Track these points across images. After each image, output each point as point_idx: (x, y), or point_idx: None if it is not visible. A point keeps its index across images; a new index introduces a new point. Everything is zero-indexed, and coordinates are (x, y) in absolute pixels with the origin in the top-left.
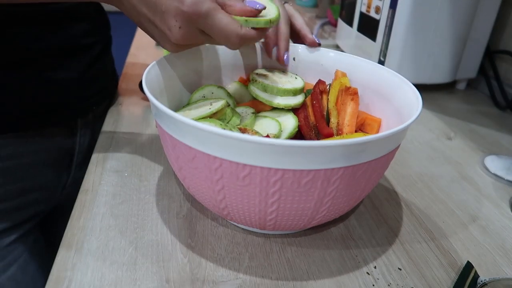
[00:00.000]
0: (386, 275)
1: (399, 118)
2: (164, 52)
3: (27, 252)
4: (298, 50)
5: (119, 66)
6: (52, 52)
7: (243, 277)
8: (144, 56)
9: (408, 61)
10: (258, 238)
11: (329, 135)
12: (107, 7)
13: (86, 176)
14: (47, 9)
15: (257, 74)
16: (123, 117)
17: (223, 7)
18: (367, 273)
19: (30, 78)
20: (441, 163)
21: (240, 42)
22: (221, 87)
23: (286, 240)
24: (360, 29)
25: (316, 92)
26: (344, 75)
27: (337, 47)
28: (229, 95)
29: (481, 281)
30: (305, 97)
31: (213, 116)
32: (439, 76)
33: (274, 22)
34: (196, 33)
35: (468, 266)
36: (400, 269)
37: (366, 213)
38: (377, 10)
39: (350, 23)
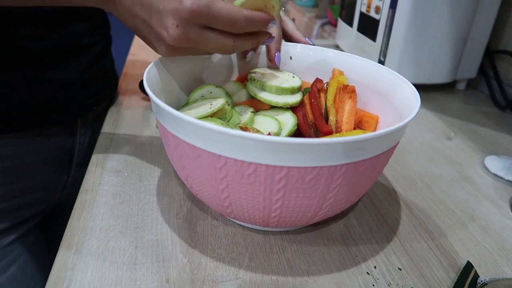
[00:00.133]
0: (386, 275)
1: (397, 116)
2: None
3: (26, 252)
4: (295, 49)
5: (119, 66)
6: (52, 51)
7: (243, 277)
8: (144, 56)
9: (408, 61)
10: (258, 238)
11: (328, 133)
12: None
13: (86, 176)
14: (47, 9)
15: (255, 73)
16: (123, 117)
17: None
18: (367, 273)
19: (30, 78)
20: (441, 163)
21: (246, 24)
22: (219, 86)
23: (286, 240)
24: (360, 29)
25: (314, 91)
26: (341, 73)
27: (337, 47)
28: (227, 94)
29: (481, 281)
30: (303, 96)
31: (213, 115)
32: (439, 76)
33: (277, 8)
34: (193, 34)
35: (468, 266)
36: (400, 269)
37: (366, 213)
38: (377, 10)
39: (350, 23)
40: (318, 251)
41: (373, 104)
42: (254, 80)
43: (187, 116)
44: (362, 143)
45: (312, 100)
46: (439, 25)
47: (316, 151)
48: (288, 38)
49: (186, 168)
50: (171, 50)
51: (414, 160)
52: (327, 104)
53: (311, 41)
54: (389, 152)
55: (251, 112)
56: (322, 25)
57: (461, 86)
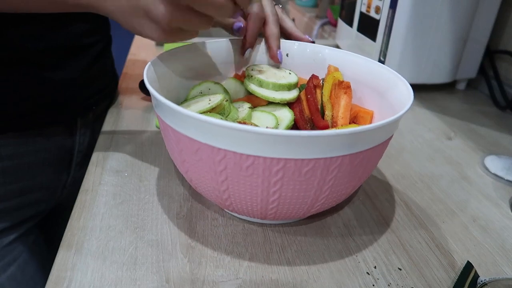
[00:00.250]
0: (386, 275)
1: (392, 111)
2: (164, 48)
3: (26, 251)
4: (292, 46)
5: (119, 66)
6: (52, 51)
7: (243, 277)
8: (144, 56)
9: (408, 61)
10: (258, 238)
11: (325, 127)
12: None
13: (86, 176)
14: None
15: (252, 70)
16: (123, 117)
17: None
18: (367, 273)
19: (30, 78)
20: (441, 163)
21: None
22: (217, 83)
23: (286, 240)
24: (360, 29)
25: (310, 87)
26: (336, 69)
27: (337, 47)
28: (225, 90)
29: (481, 281)
30: (300, 92)
31: (212, 111)
32: (439, 76)
33: None
34: (182, 9)
35: (468, 266)
36: (400, 269)
37: (366, 213)
38: (377, 10)
39: (350, 23)
40: (318, 251)
41: (368, 99)
42: (251, 76)
43: (188, 110)
44: (357, 136)
45: (309, 96)
46: (439, 25)
47: (312, 143)
48: (287, 36)
49: (186, 162)
50: (171, 5)
51: (414, 160)
52: (323, 100)
53: (310, 39)
54: (383, 145)
55: (249, 108)
56: (322, 25)
57: (461, 86)
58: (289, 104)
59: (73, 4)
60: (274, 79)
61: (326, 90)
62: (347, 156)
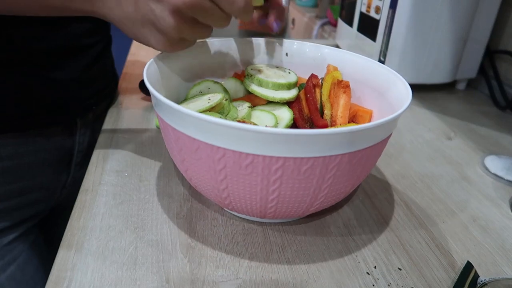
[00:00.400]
0: (386, 275)
1: (391, 110)
2: None
3: (26, 251)
4: (291, 46)
5: (119, 66)
6: (53, 52)
7: (243, 277)
8: (144, 56)
9: (408, 61)
10: (258, 237)
11: (324, 127)
12: None
13: (86, 176)
14: None
15: (252, 69)
16: (123, 117)
17: None
18: (367, 273)
19: (30, 78)
20: (441, 163)
21: (245, 5)
22: (217, 82)
23: (286, 240)
24: (360, 29)
25: (310, 86)
26: (335, 69)
27: (337, 47)
28: (225, 90)
29: (481, 281)
30: (299, 91)
31: (211, 109)
32: (439, 76)
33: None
34: (188, 20)
35: (468, 266)
36: (400, 269)
37: (365, 212)
38: (377, 10)
39: (350, 23)
40: (318, 251)
41: (367, 98)
42: (251, 76)
43: (187, 109)
44: (355, 134)
45: (308, 95)
46: (439, 25)
47: (311, 142)
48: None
49: (186, 160)
50: (180, 19)
51: (414, 160)
52: (322, 99)
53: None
54: (382, 143)
55: (248, 107)
56: (322, 25)
57: (461, 86)
58: (289, 103)
59: (76, 9)
60: (273, 79)
61: (325, 90)
62: (346, 155)
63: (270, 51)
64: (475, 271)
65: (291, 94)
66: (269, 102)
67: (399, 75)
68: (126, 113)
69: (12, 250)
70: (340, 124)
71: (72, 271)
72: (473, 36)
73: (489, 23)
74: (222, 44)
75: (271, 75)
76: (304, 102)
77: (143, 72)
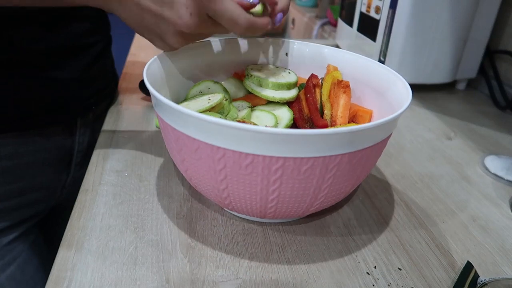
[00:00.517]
0: (386, 275)
1: (391, 110)
2: None
3: (26, 251)
4: (291, 46)
5: (119, 66)
6: (52, 51)
7: (243, 277)
8: (144, 56)
9: (408, 61)
10: (258, 238)
11: (324, 127)
12: None
13: (86, 176)
14: (48, 8)
15: (252, 69)
16: (123, 117)
17: None
18: (367, 273)
19: (29, 78)
20: (441, 163)
21: (247, 25)
22: (217, 82)
23: (286, 240)
24: (360, 29)
25: (310, 86)
26: (335, 69)
27: (337, 47)
28: (225, 90)
29: (481, 281)
30: (299, 91)
31: (211, 110)
32: (439, 76)
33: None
34: (205, 20)
35: (468, 266)
36: (400, 269)
37: (366, 213)
38: (377, 10)
39: (350, 23)
40: (318, 251)
41: (367, 98)
42: (251, 76)
43: (187, 109)
44: (355, 134)
45: (308, 95)
46: (439, 25)
47: (311, 142)
48: None
49: (186, 161)
50: (183, 38)
51: (414, 160)
52: (322, 99)
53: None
54: (382, 143)
55: (248, 107)
56: (322, 25)
57: (461, 86)
58: (289, 103)
59: (81, 3)
60: (273, 78)
61: (325, 90)
62: (346, 155)
63: (270, 51)
64: (475, 271)
65: (291, 94)
66: (269, 102)
67: (399, 75)
68: (126, 113)
69: (12, 250)
70: (340, 124)
71: (72, 271)
72: (473, 36)
73: (489, 23)
74: (222, 44)
75: (271, 75)
76: (304, 102)
77: (143, 72)
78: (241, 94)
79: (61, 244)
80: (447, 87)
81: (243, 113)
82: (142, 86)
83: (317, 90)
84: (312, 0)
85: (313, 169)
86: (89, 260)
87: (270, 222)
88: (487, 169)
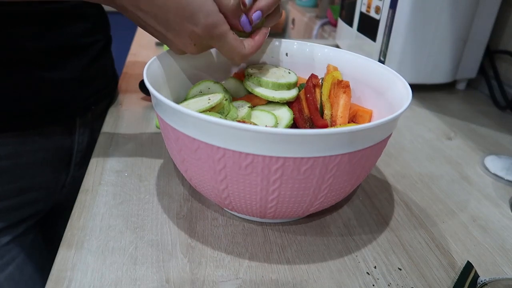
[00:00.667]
0: (386, 275)
1: (390, 110)
2: (164, 48)
3: (25, 251)
4: (291, 46)
5: (119, 66)
6: (52, 51)
7: (243, 277)
8: (144, 56)
9: (408, 61)
10: (258, 238)
11: (324, 127)
12: (107, 6)
13: (86, 176)
14: (47, 8)
15: (252, 69)
16: (123, 117)
17: (226, 17)
18: (367, 273)
19: (29, 78)
20: (441, 163)
21: (242, 60)
22: (217, 82)
23: (286, 240)
24: (360, 29)
25: (310, 86)
26: (335, 69)
27: (337, 47)
28: (225, 90)
29: (481, 281)
30: (299, 91)
31: (211, 109)
32: (439, 76)
33: None
34: (205, 46)
35: (468, 266)
36: (400, 269)
37: (366, 213)
38: (377, 10)
39: (350, 23)
40: (318, 251)
41: (367, 98)
42: (251, 76)
43: (187, 109)
44: (355, 134)
45: (308, 95)
46: (439, 25)
47: (311, 142)
48: None
49: (186, 161)
50: (184, 52)
51: (414, 160)
52: (322, 99)
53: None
54: (382, 143)
55: (248, 107)
56: (322, 25)
57: (461, 86)
58: (289, 103)
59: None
60: (273, 78)
61: (325, 90)
62: (346, 155)
63: (270, 51)
64: (475, 271)
65: (291, 94)
66: (269, 102)
67: (399, 75)
68: (126, 113)
69: (11, 250)
70: (340, 124)
71: (72, 271)
72: (473, 36)
73: (489, 23)
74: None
75: (271, 75)
76: (304, 102)
77: (143, 72)
78: (241, 94)
79: (61, 244)
80: (447, 87)
81: (243, 113)
82: (142, 86)
83: (317, 90)
84: (312, 0)
85: (313, 169)
86: (89, 260)
87: (270, 222)
88: (487, 169)
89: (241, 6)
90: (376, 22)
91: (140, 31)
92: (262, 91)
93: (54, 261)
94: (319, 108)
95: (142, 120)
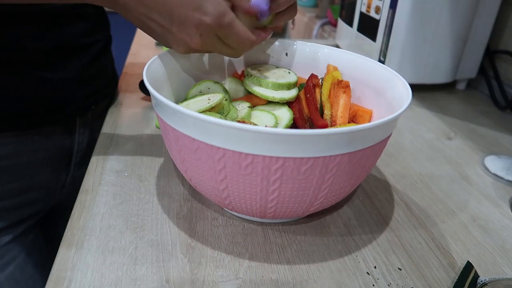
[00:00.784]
0: (386, 275)
1: (390, 110)
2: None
3: (25, 251)
4: (291, 46)
5: (119, 66)
6: (52, 51)
7: (243, 277)
8: (144, 55)
9: (408, 61)
10: (258, 238)
11: (324, 127)
12: None
13: (86, 176)
14: (47, 8)
15: (252, 69)
16: (123, 117)
17: (233, 4)
18: (367, 273)
19: (29, 77)
20: (441, 163)
21: (250, 47)
22: (217, 82)
23: (286, 240)
24: (360, 29)
25: (309, 86)
26: (335, 69)
27: (337, 47)
28: (225, 90)
29: (481, 281)
30: (299, 91)
31: (211, 110)
32: (439, 76)
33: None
34: (214, 40)
35: (468, 266)
36: (400, 269)
37: (365, 212)
38: (377, 10)
39: (350, 23)
40: (318, 251)
41: (367, 98)
42: (251, 76)
43: (187, 109)
44: (355, 134)
45: (308, 95)
46: (439, 25)
47: (311, 142)
48: None
49: (186, 161)
50: (187, 50)
51: (414, 160)
52: (322, 99)
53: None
54: (382, 143)
55: (248, 107)
56: (322, 25)
57: (461, 86)
58: (289, 103)
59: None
60: (273, 78)
61: (325, 89)
62: (346, 155)
63: (270, 51)
64: (475, 271)
65: (291, 94)
66: (269, 102)
67: (399, 75)
68: (126, 113)
69: (11, 250)
70: (340, 124)
71: (72, 271)
72: (473, 36)
73: (489, 23)
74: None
75: (271, 75)
76: (304, 102)
77: (143, 72)
78: (241, 94)
79: (61, 244)
80: (447, 87)
81: (243, 113)
82: (142, 86)
83: (317, 90)
84: (312, 0)
85: (313, 169)
86: (89, 260)
87: (270, 222)
88: (487, 169)
89: None
90: (376, 22)
91: (140, 32)
92: (262, 91)
93: (54, 261)
94: (319, 108)
95: (142, 120)
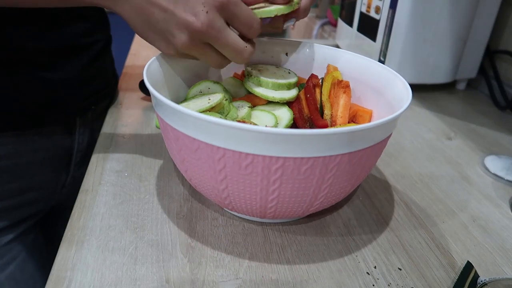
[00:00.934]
0: (386, 275)
1: (390, 110)
2: None
3: (25, 251)
4: (291, 46)
5: (119, 66)
6: (52, 51)
7: (243, 277)
8: (144, 55)
9: (408, 61)
10: (258, 238)
11: (324, 127)
12: None
13: (86, 176)
14: (47, 8)
15: (252, 69)
16: (123, 117)
17: None
18: (367, 273)
19: (29, 77)
20: (441, 163)
21: (260, 30)
22: (217, 82)
23: (286, 240)
24: (360, 29)
25: (309, 86)
26: (335, 69)
27: (337, 47)
28: (225, 90)
29: (481, 281)
30: (299, 91)
31: (211, 109)
32: (439, 76)
33: (282, 11)
34: (218, 22)
35: (468, 266)
36: (400, 269)
37: (365, 212)
38: (377, 10)
39: (350, 23)
40: (318, 251)
41: (367, 98)
42: (251, 76)
43: (187, 109)
44: (355, 134)
45: (308, 95)
46: (439, 25)
47: (311, 142)
48: None
49: (186, 161)
50: (190, 39)
51: (414, 160)
52: (322, 99)
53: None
54: (382, 143)
55: (248, 107)
56: (322, 25)
57: (461, 86)
58: (289, 103)
59: (87, 2)
60: (273, 78)
61: (325, 89)
62: (346, 155)
63: (270, 51)
64: (475, 271)
65: (291, 94)
66: (269, 102)
67: (399, 75)
68: (126, 113)
69: (11, 250)
70: (340, 124)
71: (72, 271)
72: (473, 36)
73: (489, 23)
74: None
75: (271, 75)
76: (304, 102)
77: (143, 72)
78: (241, 94)
79: (61, 244)
80: (447, 87)
81: (243, 113)
82: (142, 86)
83: (317, 90)
84: None
85: (313, 169)
86: (89, 260)
87: (270, 222)
88: (487, 169)
89: None
90: (376, 22)
91: None
92: (262, 91)
93: (54, 261)
94: (319, 108)
95: (142, 120)
